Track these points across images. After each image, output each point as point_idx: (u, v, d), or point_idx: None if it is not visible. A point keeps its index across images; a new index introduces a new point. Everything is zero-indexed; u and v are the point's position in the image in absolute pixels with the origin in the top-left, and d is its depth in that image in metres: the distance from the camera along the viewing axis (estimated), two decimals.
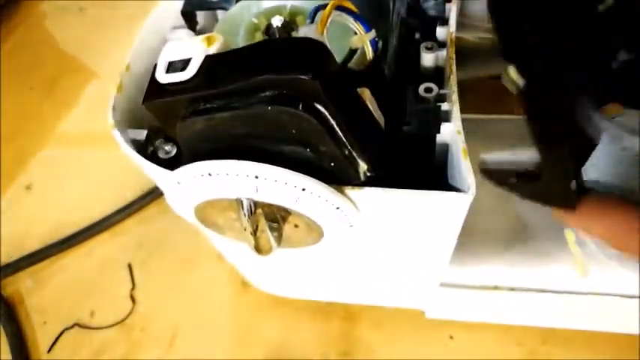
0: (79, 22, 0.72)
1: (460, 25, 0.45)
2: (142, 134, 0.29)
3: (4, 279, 0.52)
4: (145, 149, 0.28)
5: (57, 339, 0.49)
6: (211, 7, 0.34)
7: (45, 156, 0.61)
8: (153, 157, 0.28)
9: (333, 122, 0.20)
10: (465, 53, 0.48)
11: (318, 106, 0.20)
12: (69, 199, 0.57)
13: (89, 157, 0.60)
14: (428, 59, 0.32)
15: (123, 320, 0.49)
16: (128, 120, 0.29)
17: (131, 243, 0.53)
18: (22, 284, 0.52)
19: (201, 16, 0.35)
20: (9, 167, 0.60)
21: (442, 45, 0.32)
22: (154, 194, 0.54)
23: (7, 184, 0.59)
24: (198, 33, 0.35)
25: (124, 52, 0.30)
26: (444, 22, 0.32)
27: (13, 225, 0.56)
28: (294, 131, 0.20)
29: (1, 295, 0.51)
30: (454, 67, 0.31)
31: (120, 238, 0.54)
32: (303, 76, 0.19)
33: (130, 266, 0.52)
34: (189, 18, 0.34)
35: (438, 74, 0.32)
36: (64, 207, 0.57)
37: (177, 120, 0.21)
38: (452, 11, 0.31)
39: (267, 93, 0.20)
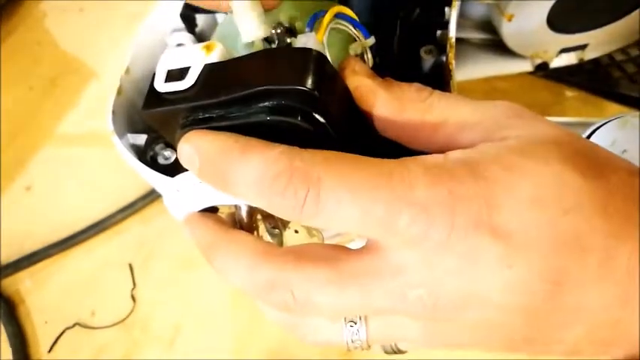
0: (78, 22, 0.72)
1: (460, 27, 0.45)
2: (141, 139, 0.29)
3: (4, 279, 0.52)
4: (144, 154, 0.28)
5: (58, 339, 0.49)
6: (211, 11, 0.34)
7: (45, 156, 0.61)
8: (152, 163, 0.28)
9: (332, 132, 0.20)
10: (464, 54, 0.48)
11: (317, 116, 0.20)
12: (69, 199, 0.57)
13: (89, 157, 0.60)
14: (427, 63, 0.32)
15: (123, 320, 0.49)
16: (128, 123, 0.29)
17: (131, 243, 0.54)
18: (22, 284, 0.52)
19: (200, 19, 0.35)
20: (9, 167, 0.60)
21: (442, 48, 0.32)
22: (154, 194, 0.54)
23: (7, 184, 0.59)
24: (197, 35, 0.35)
25: (124, 52, 0.30)
26: (444, 25, 0.32)
27: (13, 225, 0.56)
28: (293, 141, 0.20)
29: (1, 295, 0.51)
30: (454, 72, 0.31)
31: (120, 238, 0.54)
32: (302, 87, 0.19)
33: (130, 266, 0.52)
34: (188, 21, 0.34)
35: (438, 77, 0.32)
36: (64, 207, 0.57)
37: (177, 129, 0.21)
38: (452, 16, 0.30)
39: (266, 103, 0.20)
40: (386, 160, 0.19)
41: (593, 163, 0.18)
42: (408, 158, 0.19)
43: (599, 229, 0.17)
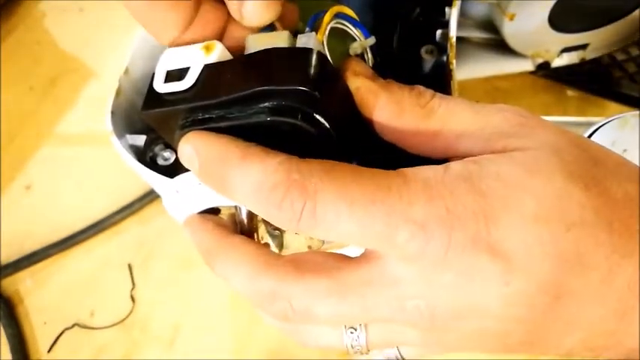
0: (78, 22, 0.72)
1: (461, 26, 0.45)
2: (141, 139, 0.29)
3: (4, 279, 0.52)
4: (143, 155, 0.28)
5: (57, 339, 0.49)
6: None
7: (44, 156, 0.61)
8: (151, 163, 0.28)
9: (332, 132, 0.20)
10: (465, 53, 0.48)
11: (318, 117, 0.19)
12: (69, 199, 0.57)
13: (89, 157, 0.60)
14: (428, 63, 0.32)
15: (123, 320, 0.49)
16: (127, 124, 0.29)
17: (131, 243, 0.53)
18: (22, 284, 0.52)
19: None
20: (9, 167, 0.60)
21: (443, 48, 0.32)
22: (153, 194, 0.54)
23: (6, 184, 0.59)
24: None
25: (124, 52, 0.30)
26: (445, 25, 0.32)
27: (13, 225, 0.56)
28: (293, 141, 0.20)
29: (1, 295, 0.51)
30: (455, 72, 0.31)
31: (120, 238, 0.54)
32: (302, 88, 0.19)
33: (129, 266, 0.52)
34: None
35: (438, 77, 0.32)
36: (64, 207, 0.57)
37: (176, 129, 0.21)
38: (452, 15, 0.30)
39: (266, 103, 0.19)
40: (384, 172, 0.19)
41: (600, 176, 0.18)
42: (407, 170, 0.19)
43: (604, 245, 0.17)
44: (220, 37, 0.23)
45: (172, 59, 0.22)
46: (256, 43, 0.22)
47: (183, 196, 0.25)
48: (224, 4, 0.22)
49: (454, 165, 0.19)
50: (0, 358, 0.48)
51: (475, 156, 0.19)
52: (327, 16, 0.23)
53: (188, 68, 0.21)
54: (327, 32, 0.23)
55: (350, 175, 0.19)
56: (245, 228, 0.26)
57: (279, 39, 0.22)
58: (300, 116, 0.19)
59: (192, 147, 0.20)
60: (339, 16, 0.24)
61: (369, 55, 0.25)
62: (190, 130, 0.21)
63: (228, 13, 0.22)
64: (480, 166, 0.19)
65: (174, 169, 0.27)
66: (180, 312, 0.49)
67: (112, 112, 0.28)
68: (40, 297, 0.51)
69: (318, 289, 0.20)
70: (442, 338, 0.20)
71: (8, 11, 0.73)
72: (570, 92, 0.56)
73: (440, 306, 0.18)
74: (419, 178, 0.18)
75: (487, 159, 0.19)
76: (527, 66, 0.49)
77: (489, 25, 0.45)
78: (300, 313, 0.20)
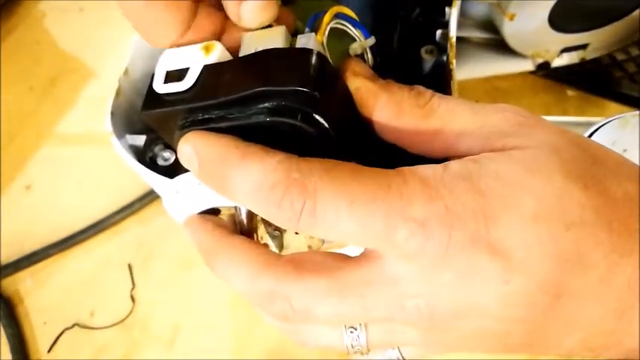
0: (78, 22, 0.72)
1: (461, 26, 0.45)
2: (140, 140, 0.29)
3: (4, 279, 0.52)
4: (143, 155, 0.28)
5: (57, 339, 0.49)
6: None
7: (44, 156, 0.61)
8: (151, 164, 0.28)
9: (332, 133, 0.20)
10: (465, 53, 0.48)
11: (317, 117, 0.20)
12: (69, 199, 0.57)
13: (89, 157, 0.60)
14: (428, 63, 0.32)
15: (123, 320, 0.49)
16: (127, 124, 0.29)
17: (131, 243, 0.53)
18: (22, 284, 0.52)
19: None
20: (8, 167, 0.60)
21: (442, 48, 0.32)
22: (153, 194, 0.54)
23: (6, 184, 0.59)
24: None
25: (124, 52, 0.30)
26: (445, 25, 0.32)
27: (13, 225, 0.56)
28: (293, 142, 0.20)
29: (1, 295, 0.51)
30: (455, 72, 0.31)
31: (120, 238, 0.54)
32: (302, 88, 0.19)
33: (129, 266, 0.52)
34: None
35: (438, 77, 0.32)
36: (64, 207, 0.57)
37: (176, 130, 0.21)
38: (452, 15, 0.30)
39: (266, 104, 0.19)
40: (384, 171, 0.19)
41: (600, 175, 0.18)
42: (407, 169, 0.19)
43: (604, 245, 0.17)
44: (217, 40, 0.23)
45: (172, 60, 0.22)
46: (253, 40, 0.22)
47: (183, 197, 0.25)
48: (220, 7, 0.22)
49: (453, 164, 0.19)
50: (0, 358, 0.48)
51: (474, 155, 0.19)
52: (327, 17, 0.23)
53: (188, 69, 0.21)
54: (326, 32, 0.23)
55: (350, 174, 0.19)
56: (245, 228, 0.26)
57: (276, 34, 0.22)
58: (299, 117, 0.19)
59: (192, 147, 0.20)
60: (338, 16, 0.24)
61: (369, 55, 0.25)
62: (190, 131, 0.21)
63: (225, 16, 0.22)
64: (479, 164, 0.19)
65: (174, 170, 0.27)
66: (180, 312, 0.49)
67: (112, 113, 0.28)
68: (40, 297, 0.51)
69: (318, 288, 0.20)
70: (442, 338, 0.20)
71: (8, 11, 0.73)
72: (570, 92, 0.56)
73: (439, 305, 0.18)
74: (418, 177, 0.18)
75: (486, 157, 0.19)
76: (527, 66, 0.49)
77: (489, 25, 0.45)
78: (299, 313, 0.20)
